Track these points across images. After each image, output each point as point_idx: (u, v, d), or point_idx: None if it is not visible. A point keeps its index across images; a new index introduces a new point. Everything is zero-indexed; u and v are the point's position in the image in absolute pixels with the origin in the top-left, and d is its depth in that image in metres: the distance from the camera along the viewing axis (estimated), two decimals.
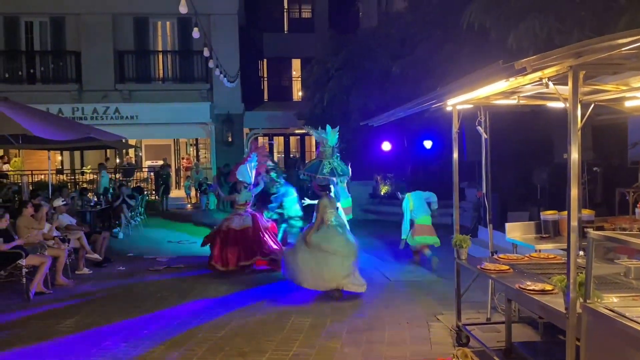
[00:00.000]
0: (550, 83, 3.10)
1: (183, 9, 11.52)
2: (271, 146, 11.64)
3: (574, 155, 2.88)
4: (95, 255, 9.29)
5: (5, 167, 18.20)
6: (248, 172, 9.33)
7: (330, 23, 22.95)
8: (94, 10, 18.04)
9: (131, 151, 20.44)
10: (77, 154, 19.40)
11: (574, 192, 2.94)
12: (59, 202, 9.20)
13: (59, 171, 19.09)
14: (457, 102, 4.79)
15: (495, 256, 4.99)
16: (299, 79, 23.54)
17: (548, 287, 3.46)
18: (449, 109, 5.10)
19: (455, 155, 5.20)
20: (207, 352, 5.23)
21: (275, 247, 9.06)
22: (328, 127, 8.43)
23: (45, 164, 16.10)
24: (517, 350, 4.68)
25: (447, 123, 6.24)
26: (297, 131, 22.05)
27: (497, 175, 6.33)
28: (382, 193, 15.48)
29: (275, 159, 22.46)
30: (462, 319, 5.20)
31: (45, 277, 7.63)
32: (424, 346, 5.22)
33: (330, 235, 7.31)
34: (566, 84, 2.94)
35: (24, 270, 7.30)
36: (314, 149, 22.48)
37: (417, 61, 11.94)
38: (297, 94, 23.81)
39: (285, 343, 5.44)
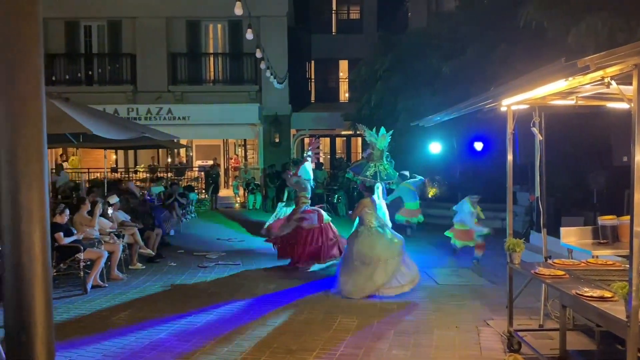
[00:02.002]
0: (613, 82, 2.99)
1: (238, 10, 11.70)
2: (317, 142, 11.73)
3: (638, 157, 2.77)
4: (148, 251, 9.53)
5: (64, 164, 18.90)
6: (308, 169, 9.57)
7: (378, 24, 22.81)
8: (148, 14, 18.54)
9: (182, 151, 20.80)
10: (130, 153, 20.01)
11: (639, 196, 2.82)
12: (114, 199, 9.50)
13: (114, 169, 19.71)
14: (512, 103, 4.69)
15: (549, 261, 4.86)
16: (346, 80, 23.50)
17: (607, 294, 3.35)
18: (503, 109, 4.99)
19: (510, 157, 5.07)
20: (255, 348, 5.29)
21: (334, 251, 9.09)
22: (382, 129, 8.38)
23: (101, 162, 16.68)
24: (572, 358, 4.54)
25: (498, 124, 6.11)
26: (343, 132, 21.99)
27: (550, 179, 6.13)
28: (429, 196, 15.27)
29: (322, 159, 22.59)
30: (514, 324, 5.08)
31: (101, 271, 7.92)
32: (474, 351, 5.11)
33: (373, 240, 7.31)
34: (629, 84, 2.84)
35: (82, 263, 7.57)
36: (359, 150, 22.43)
37: (468, 62, 11.73)
38: (344, 95, 23.76)
39: (332, 342, 5.44)
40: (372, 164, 8.26)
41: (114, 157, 20.09)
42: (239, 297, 7.32)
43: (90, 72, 18.87)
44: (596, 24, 6.67)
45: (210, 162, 19.86)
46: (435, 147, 12.27)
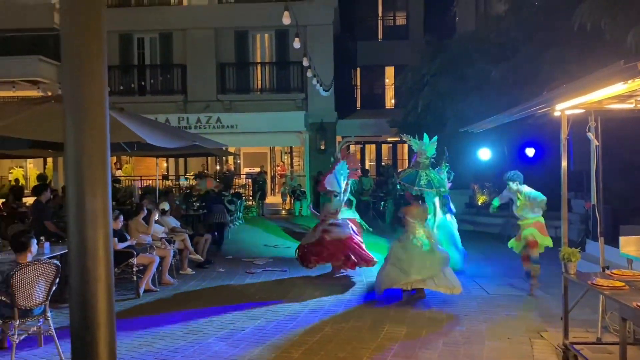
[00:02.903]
0: None
1: (286, 20, 11.91)
2: (351, 155, 11.79)
3: None
4: (198, 257, 9.73)
5: (118, 172, 19.62)
6: (337, 180, 9.32)
7: (425, 29, 22.65)
8: (198, 25, 19.02)
9: (230, 158, 21.17)
10: (181, 160, 20.54)
11: None
12: (165, 206, 9.76)
13: (165, 177, 20.22)
14: (567, 107, 4.55)
15: (607, 272, 4.67)
16: (392, 86, 23.35)
17: None
18: (556, 114, 4.85)
19: (564, 163, 4.92)
20: (303, 355, 5.32)
21: (366, 255, 8.94)
22: (425, 136, 8.31)
23: (153, 170, 17.23)
24: None
25: (551, 130, 5.95)
26: (389, 139, 21.91)
27: (607, 186, 5.89)
28: (479, 203, 15.01)
29: (367, 166, 22.57)
30: (570, 337, 4.91)
31: (153, 275, 8.13)
32: None
33: (411, 248, 7.24)
34: None
35: (135, 268, 7.81)
36: (405, 157, 22.28)
37: (518, 65, 11.51)
38: (390, 101, 23.64)
39: (380, 351, 5.41)
40: (422, 173, 8.22)
41: (165, 164, 20.62)
42: (286, 303, 7.38)
43: (142, 83, 19.53)
44: None
45: (257, 170, 20.15)
46: (484, 154, 12.06)
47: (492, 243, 11.70)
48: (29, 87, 17.25)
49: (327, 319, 6.65)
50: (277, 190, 21.08)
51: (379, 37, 24.08)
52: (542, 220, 7.57)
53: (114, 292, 1.03)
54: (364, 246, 9.10)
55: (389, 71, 23.70)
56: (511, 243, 7.89)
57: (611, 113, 4.96)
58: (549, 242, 7.45)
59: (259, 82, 19.68)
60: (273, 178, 22.58)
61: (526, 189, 7.59)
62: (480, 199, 14.85)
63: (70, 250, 0.97)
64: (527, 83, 10.44)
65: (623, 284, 4.06)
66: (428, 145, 8.44)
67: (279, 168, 22.74)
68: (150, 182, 18.31)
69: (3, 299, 5.07)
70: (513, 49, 12.38)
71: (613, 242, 5.66)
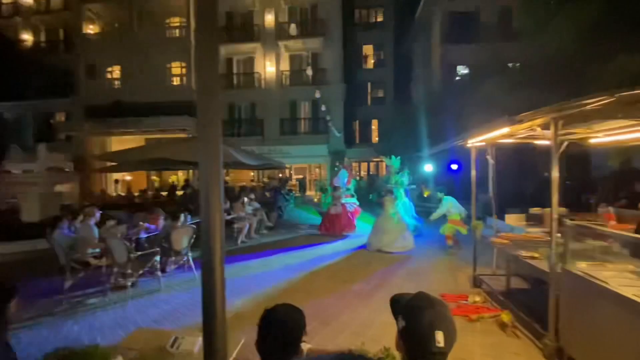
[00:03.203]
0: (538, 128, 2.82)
1: (317, 94, 12.00)
2: (350, 166, 12.00)
3: (555, 173, 2.59)
4: (269, 224, 9.84)
5: (227, 178, 19.94)
6: (340, 180, 9.57)
7: (395, 98, 22.50)
8: (270, 98, 19.17)
9: (287, 170, 21.32)
10: (260, 172, 20.71)
11: (555, 197, 2.63)
12: (251, 195, 9.91)
13: (251, 180, 20.49)
14: (474, 142, 4.49)
15: (499, 235, 4.60)
16: (376, 130, 23.27)
17: (536, 255, 3.14)
18: (469, 145, 4.78)
19: (473, 172, 4.84)
20: (326, 279, 5.36)
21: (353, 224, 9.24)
22: (393, 157, 8.32)
23: (245, 177, 17.44)
24: (514, 292, 4.26)
25: (466, 153, 5.85)
26: (374, 159, 21.77)
27: (499, 185, 5.71)
28: (424, 195, 14.76)
29: (363, 175, 22.38)
30: (477, 271, 4.84)
31: (246, 232, 8.27)
32: (452, 285, 4.92)
33: (387, 220, 7.23)
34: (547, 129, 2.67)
35: (236, 228, 7.97)
36: (383, 169, 22.08)
37: (446, 119, 11.27)
38: (375, 138, 23.42)
39: (369, 276, 5.41)
40: (392, 177, 8.18)
41: (252, 173, 20.86)
42: (316, 250, 7.41)
43: (240, 128, 19.74)
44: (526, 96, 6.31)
45: (301, 176, 20.33)
46: (428, 167, 11.96)
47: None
48: (180, 132, 17.71)
49: (339, 258, 6.67)
50: (312, 188, 21.09)
51: (368, 102, 23.93)
52: (457, 217, 7.21)
53: (224, 240, 1.05)
54: (353, 220, 9.31)
55: (374, 122, 23.52)
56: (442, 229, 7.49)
57: (500, 144, 4.88)
58: (463, 231, 7.11)
59: (302, 128, 19.73)
60: (309, 181, 22.64)
61: (451, 201, 7.38)
62: (426, 193, 14.61)
63: (202, 218, 0.98)
64: (451, 128, 10.27)
65: (508, 241, 3.99)
66: (395, 162, 8.40)
67: (313, 175, 22.81)
68: (244, 183, 18.57)
69: (165, 245, 5.24)
70: (442, 109, 12.21)
71: (501, 217, 5.54)
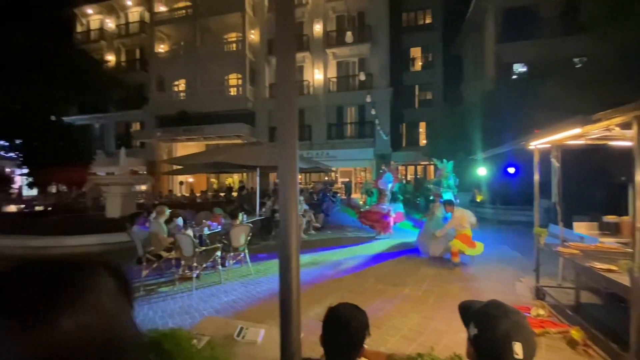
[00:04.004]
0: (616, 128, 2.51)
1: (368, 98, 11.94)
2: (396, 170, 11.56)
3: (638, 177, 2.28)
4: (317, 225, 9.95)
5: (277, 180, 20.59)
6: (385, 183, 9.28)
7: (444, 99, 21.64)
8: (318, 104, 19.42)
9: (333, 174, 21.45)
10: (308, 175, 21.10)
11: (638, 203, 2.32)
12: (300, 198, 10.09)
13: (300, 183, 20.84)
14: (538, 143, 4.12)
15: (566, 244, 4.16)
16: (424, 133, 22.50)
17: (614, 268, 2.79)
18: (530, 147, 4.41)
19: (536, 176, 4.46)
20: (374, 281, 5.26)
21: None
22: (445, 160, 7.94)
23: (300, 178, 17.78)
24: (584, 307, 3.81)
25: (523, 156, 5.40)
26: (421, 162, 21.01)
27: (564, 190, 5.16)
28: (477, 200, 13.87)
29: (410, 179, 21.70)
30: (540, 282, 4.42)
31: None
32: (511, 296, 4.55)
33: (437, 224, 6.86)
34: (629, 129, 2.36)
35: None
36: (431, 173, 21.18)
37: (501, 120, 10.49)
38: (422, 141, 22.66)
39: (419, 282, 5.21)
40: (443, 180, 7.83)
41: (300, 176, 21.22)
42: (364, 250, 7.31)
43: None
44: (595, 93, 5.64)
45: (347, 179, 20.26)
46: (482, 171, 11.19)
47: (486, 224, 10.72)
48: (236, 138, 18.70)
49: (387, 261, 6.52)
50: (358, 191, 20.93)
51: (416, 105, 23.22)
52: (469, 233, 6.09)
53: (300, 233, 1.06)
54: (390, 222, 8.88)
55: (422, 125, 22.74)
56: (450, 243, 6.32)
57: (567, 146, 4.43)
58: (469, 252, 6.02)
59: (349, 132, 19.70)
60: (355, 184, 22.49)
61: (464, 213, 6.38)
62: (479, 198, 13.72)
63: (281, 217, 1.02)
64: (507, 130, 9.52)
65: (578, 251, 3.59)
66: (447, 165, 8.02)
67: (359, 179, 22.62)
68: None
69: (225, 242, 5.56)
70: (497, 110, 11.37)
71: (567, 225, 5.00)
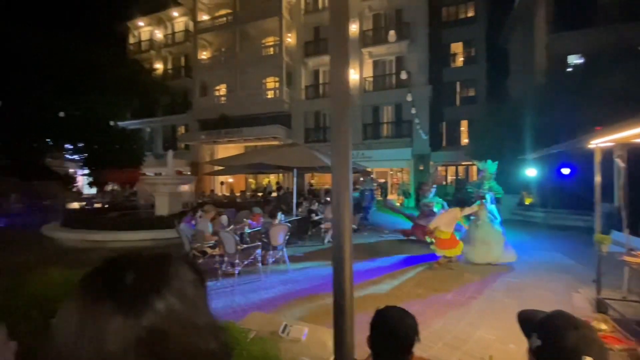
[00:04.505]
0: None
1: (409, 97, 11.70)
2: (436, 171, 10.87)
3: None
4: (353, 225, 9.87)
5: (312, 181, 20.84)
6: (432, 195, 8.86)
7: (487, 97, 20.53)
8: (352, 105, 19.34)
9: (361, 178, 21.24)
10: None
11: None
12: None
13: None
14: (600, 142, 3.77)
15: (633, 252, 3.75)
16: (466, 131, 21.51)
17: None
18: (591, 146, 4.04)
19: (598, 178, 4.08)
20: (414, 286, 5.13)
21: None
22: (489, 161, 7.52)
23: (328, 180, 17.86)
24: None
25: (580, 156, 4.95)
26: (463, 163, 20.10)
27: (630, 194, 4.67)
28: (526, 203, 12.96)
29: (450, 180, 20.89)
30: (601, 294, 4.02)
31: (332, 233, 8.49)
32: (567, 308, 4.19)
33: (484, 228, 6.49)
34: None
35: (323, 229, 8.24)
36: (474, 174, 20.19)
37: (554, 118, 9.69)
38: (464, 140, 21.65)
39: (463, 289, 5.00)
40: (486, 182, 7.42)
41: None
42: (402, 254, 7.14)
43: (325, 134, 20.32)
44: None
45: (382, 180, 19.93)
46: (531, 172, 10.43)
47: (535, 229, 10.00)
48: (273, 140, 19.18)
49: (426, 265, 6.31)
50: (394, 192, 20.54)
51: (457, 103, 22.27)
52: (447, 236, 6.14)
53: (351, 233, 1.06)
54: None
55: (464, 124, 21.76)
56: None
57: (634, 145, 4.00)
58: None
59: (385, 132, 19.37)
60: (391, 185, 22.07)
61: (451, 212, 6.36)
62: (527, 200, 12.80)
63: (335, 217, 1.03)
64: (561, 127, 8.79)
65: None
66: (490, 166, 7.59)
67: (395, 180, 22.19)
68: (327, 185, 19.18)
69: (265, 240, 5.73)
70: (550, 106, 10.53)
71: (633, 232, 4.51)
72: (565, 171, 8.78)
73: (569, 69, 13.63)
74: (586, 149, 4.19)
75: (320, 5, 20.45)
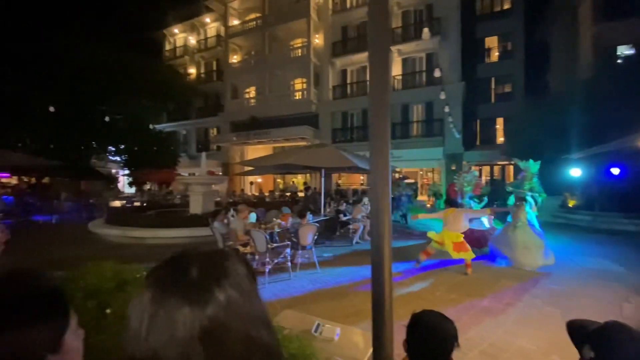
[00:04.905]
0: None
1: (442, 95, 11.41)
2: (469, 172, 10.25)
3: None
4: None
5: (339, 181, 20.79)
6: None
7: (525, 92, 19.43)
8: None
9: (397, 174, 20.84)
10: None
11: None
12: (366, 200, 9.99)
13: (361, 184, 20.72)
14: None
15: None
16: (502, 129, 20.51)
17: None
18: None
19: None
20: (445, 291, 4.98)
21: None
22: (531, 161, 7.13)
23: (356, 180, 17.78)
24: None
25: (631, 156, 4.54)
26: (499, 162, 19.19)
27: None
28: (569, 205, 12.11)
29: (484, 181, 20.04)
30: None
31: (360, 234, 8.41)
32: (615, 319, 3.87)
33: (522, 230, 6.18)
34: None
35: (351, 230, 8.20)
36: (511, 174, 19.21)
37: (600, 115, 8.98)
38: (499, 139, 20.65)
39: (499, 293, 4.77)
40: (526, 183, 7.05)
41: (362, 177, 21.04)
42: (436, 258, 6.93)
43: (352, 135, 20.22)
44: None
45: (412, 181, 19.44)
46: (576, 172, 9.74)
47: (580, 233, 9.32)
48: (301, 140, 19.36)
49: (458, 268, 6.07)
50: (424, 193, 20.01)
51: (492, 100, 21.29)
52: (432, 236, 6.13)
53: (391, 233, 1.05)
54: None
55: (499, 121, 20.79)
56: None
57: None
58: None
59: (415, 131, 18.92)
60: (421, 186, 21.52)
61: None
62: (571, 203, 11.96)
63: (373, 219, 1.03)
64: (612, 124, 8.12)
65: None
66: (532, 166, 7.19)
67: (425, 180, 21.61)
68: (354, 186, 19.08)
69: (294, 240, 5.81)
70: (597, 101, 9.76)
71: None
72: (615, 171, 8.10)
73: (619, 61, 12.59)
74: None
75: (348, 4, 20.38)
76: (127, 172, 21.69)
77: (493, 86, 21.32)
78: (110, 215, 10.41)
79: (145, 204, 13.76)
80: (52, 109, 11.72)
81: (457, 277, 5.54)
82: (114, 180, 23.51)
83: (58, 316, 0.61)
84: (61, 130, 17.25)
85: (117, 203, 15.48)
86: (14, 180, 20.35)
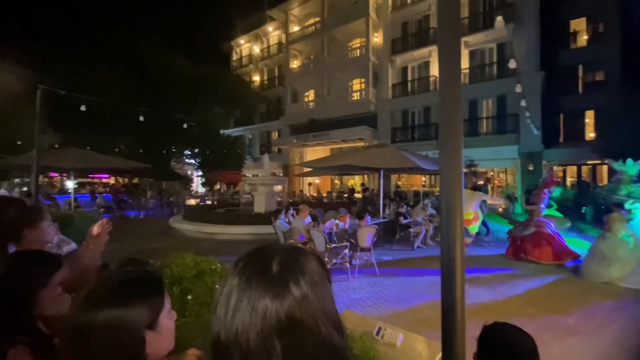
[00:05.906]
0: None
1: (518, 88, 10.44)
2: (551, 172, 8.70)
3: None
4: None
5: (399, 182, 20.17)
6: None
7: (623, 81, 16.52)
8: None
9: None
10: (433, 177, 19.77)
11: None
12: (426, 201, 9.55)
13: (423, 185, 19.91)
14: None
15: None
16: (592, 124, 17.77)
17: None
18: None
19: None
20: (523, 302, 4.52)
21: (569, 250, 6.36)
22: (629, 160, 6.07)
23: (417, 181, 17.05)
24: None
25: None
26: (588, 162, 16.67)
27: None
28: None
29: (569, 183, 17.65)
30: None
31: (422, 238, 8.05)
32: None
33: (616, 244, 5.25)
34: None
35: (412, 234, 7.90)
36: (604, 175, 16.54)
37: None
38: (589, 135, 17.93)
39: (589, 313, 4.14)
40: (623, 187, 6.03)
41: (423, 178, 20.23)
42: (512, 271, 6.30)
43: (413, 134, 19.50)
44: None
45: (481, 183, 17.88)
46: None
47: None
48: (359, 141, 19.28)
49: (536, 281, 5.45)
50: (496, 195, 18.33)
51: (579, 90, 18.59)
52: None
53: (463, 237, 1.00)
54: (565, 242, 6.52)
55: (589, 115, 18.04)
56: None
57: None
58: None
59: (484, 128, 17.47)
60: (492, 188, 19.72)
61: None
62: None
63: (444, 223, 0.97)
64: None
65: None
66: (630, 167, 6.11)
67: (497, 182, 19.76)
68: (415, 188, 18.34)
69: (353, 242, 5.79)
70: None
71: None
72: None
73: None
74: None
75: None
76: (200, 173, 23.94)
77: (581, 74, 18.60)
78: (187, 212, 11.60)
79: (215, 203, 15.02)
80: (141, 118, 13.55)
81: (536, 290, 4.97)
82: (189, 180, 26.15)
83: (158, 297, 0.70)
84: (148, 137, 19.77)
85: (192, 201, 17.15)
86: (112, 181, 23.92)
